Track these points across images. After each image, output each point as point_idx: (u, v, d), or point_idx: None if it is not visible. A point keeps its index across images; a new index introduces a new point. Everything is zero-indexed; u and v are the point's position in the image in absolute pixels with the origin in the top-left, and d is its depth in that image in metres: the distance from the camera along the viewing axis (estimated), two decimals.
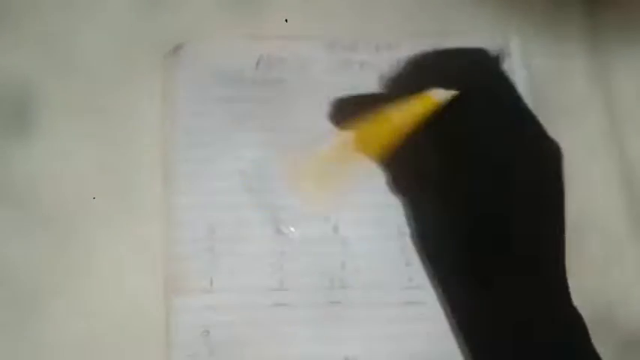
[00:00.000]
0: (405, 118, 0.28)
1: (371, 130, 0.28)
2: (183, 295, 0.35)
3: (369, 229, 0.38)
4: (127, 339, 0.35)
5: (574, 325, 0.27)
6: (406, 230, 0.28)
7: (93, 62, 0.38)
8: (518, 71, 0.40)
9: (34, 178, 0.36)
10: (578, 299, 0.36)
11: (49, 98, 0.37)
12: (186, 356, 0.35)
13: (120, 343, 0.35)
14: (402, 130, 0.27)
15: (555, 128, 0.39)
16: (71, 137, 0.37)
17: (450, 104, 0.28)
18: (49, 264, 0.35)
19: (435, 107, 0.28)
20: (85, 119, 0.37)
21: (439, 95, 0.28)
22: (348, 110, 0.31)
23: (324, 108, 0.38)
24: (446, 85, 0.28)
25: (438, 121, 0.28)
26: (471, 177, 0.27)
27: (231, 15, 0.40)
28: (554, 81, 0.41)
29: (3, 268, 0.35)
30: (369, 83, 0.39)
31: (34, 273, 0.35)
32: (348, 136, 0.28)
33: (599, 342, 0.36)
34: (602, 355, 0.32)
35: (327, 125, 0.38)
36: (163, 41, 0.38)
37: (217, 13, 0.40)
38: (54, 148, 0.37)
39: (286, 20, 0.39)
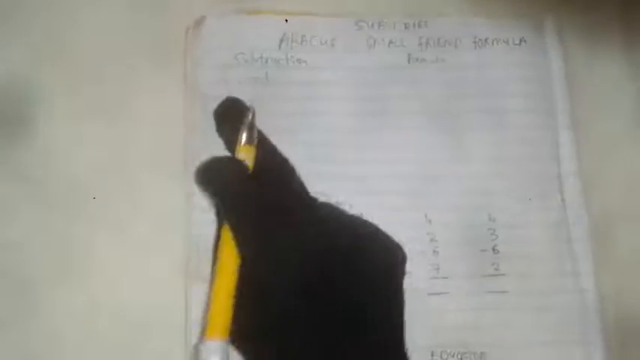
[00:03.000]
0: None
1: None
2: (202, 282, 0.34)
3: None
4: (145, 327, 0.34)
5: None
6: None
7: (98, 52, 0.37)
8: (553, 52, 0.39)
9: (38, 171, 0.36)
10: (608, 297, 0.35)
11: (52, 89, 0.37)
12: None
13: (138, 331, 0.34)
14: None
15: (587, 113, 0.38)
16: (76, 130, 0.36)
17: None
18: (54, 255, 0.35)
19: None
20: (91, 109, 0.37)
21: None
22: None
23: (349, 89, 0.37)
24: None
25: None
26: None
27: None
28: (587, 63, 0.39)
29: (7, 264, 0.35)
30: (398, 61, 0.38)
31: (43, 266, 0.35)
32: None
33: (628, 341, 0.35)
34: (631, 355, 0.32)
35: (354, 106, 0.37)
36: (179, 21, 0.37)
37: None
38: (57, 142, 0.36)
39: None
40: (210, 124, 0.36)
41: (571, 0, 0.40)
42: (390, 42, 0.38)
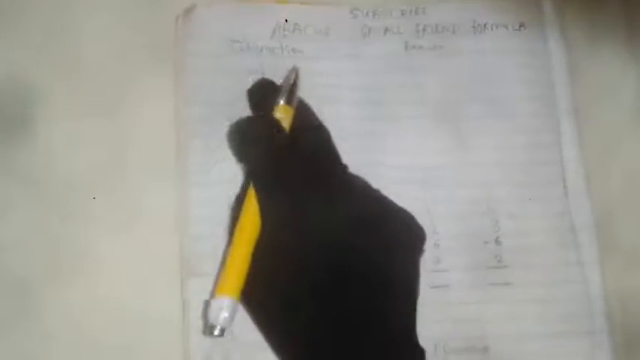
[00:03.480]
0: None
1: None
2: (199, 278, 0.33)
3: None
4: (143, 326, 0.34)
5: None
6: None
7: (96, 49, 0.37)
8: (553, 37, 0.38)
9: (37, 171, 0.36)
10: (611, 288, 0.34)
11: (50, 88, 0.36)
12: (205, 339, 0.33)
13: (136, 331, 0.34)
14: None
15: (588, 100, 0.37)
16: (75, 130, 0.36)
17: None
18: (54, 255, 0.35)
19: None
20: (89, 109, 0.36)
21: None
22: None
23: (345, 79, 0.37)
24: None
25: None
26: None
27: None
28: (588, 49, 0.39)
29: (6, 263, 0.34)
30: (394, 50, 0.37)
31: (42, 266, 0.34)
32: None
33: (633, 330, 0.35)
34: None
35: (350, 96, 0.36)
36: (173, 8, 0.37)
37: None
38: (57, 141, 0.36)
39: None
40: (203, 114, 0.35)
41: None
42: (386, 30, 0.38)
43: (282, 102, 0.33)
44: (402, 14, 0.38)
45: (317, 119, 0.34)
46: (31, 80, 0.36)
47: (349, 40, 0.37)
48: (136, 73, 0.37)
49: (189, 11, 0.36)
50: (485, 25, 0.38)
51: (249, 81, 0.35)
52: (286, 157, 0.32)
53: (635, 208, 0.37)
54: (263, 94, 0.34)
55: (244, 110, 0.35)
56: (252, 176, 0.32)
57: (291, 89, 0.33)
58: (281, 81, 0.34)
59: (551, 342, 0.34)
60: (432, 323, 0.34)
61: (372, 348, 0.30)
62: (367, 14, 0.38)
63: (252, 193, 0.32)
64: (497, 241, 0.35)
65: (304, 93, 0.35)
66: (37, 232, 0.35)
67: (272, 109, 0.33)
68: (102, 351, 0.34)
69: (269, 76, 0.36)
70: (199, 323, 0.33)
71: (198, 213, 0.34)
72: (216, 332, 0.31)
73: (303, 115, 0.34)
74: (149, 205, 0.35)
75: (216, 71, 0.36)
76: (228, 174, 0.35)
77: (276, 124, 0.33)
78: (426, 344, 0.31)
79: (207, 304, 0.32)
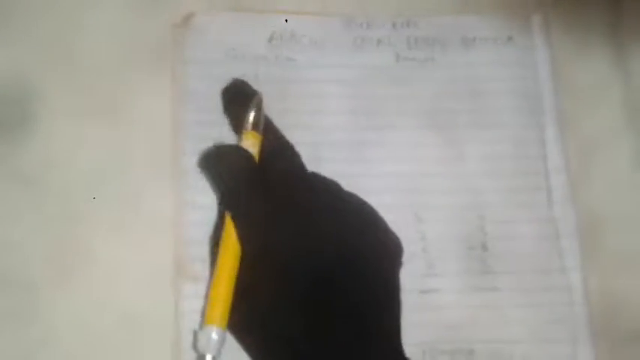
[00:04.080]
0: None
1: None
2: (192, 282, 0.34)
3: None
4: (134, 326, 0.34)
5: None
6: None
7: (96, 53, 0.37)
8: (540, 50, 0.39)
9: (37, 171, 0.36)
10: (595, 294, 0.35)
11: (50, 88, 0.37)
12: None
13: (127, 330, 0.34)
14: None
15: (575, 109, 0.38)
16: (74, 131, 0.36)
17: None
18: (52, 255, 0.35)
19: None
20: (89, 110, 0.37)
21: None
22: None
23: (337, 88, 0.37)
24: None
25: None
26: None
27: None
28: (574, 61, 0.40)
29: (6, 264, 0.34)
30: (385, 61, 0.38)
31: (41, 266, 0.35)
32: None
33: (612, 338, 0.36)
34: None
35: (342, 104, 0.37)
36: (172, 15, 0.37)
37: None
38: (56, 142, 0.36)
39: None
40: (199, 120, 0.36)
41: None
42: (379, 41, 0.39)
43: (249, 128, 0.34)
44: (394, 26, 0.39)
45: (285, 141, 0.35)
46: (31, 81, 0.37)
47: (342, 51, 0.38)
48: (135, 75, 0.37)
49: (187, 19, 0.37)
50: (474, 38, 0.39)
51: None
52: (257, 187, 0.33)
53: (618, 215, 0.38)
54: (236, 94, 0.35)
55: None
56: (227, 206, 0.33)
57: (257, 114, 0.34)
58: (248, 109, 0.34)
59: (534, 347, 0.35)
60: (420, 327, 0.34)
61: None
62: (361, 25, 0.39)
63: (229, 220, 0.32)
64: (484, 247, 0.36)
65: (297, 101, 0.36)
66: (37, 232, 0.35)
67: (242, 120, 0.34)
68: (100, 351, 0.34)
69: (263, 83, 0.36)
70: (192, 327, 0.33)
71: (193, 218, 0.35)
72: None
73: (272, 136, 0.35)
74: (147, 206, 0.35)
75: (213, 78, 0.36)
76: None
77: (245, 154, 0.33)
78: (415, 348, 0.32)
79: (195, 335, 0.32)
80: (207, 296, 0.32)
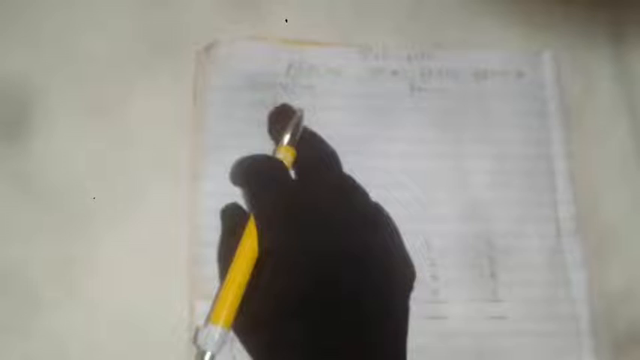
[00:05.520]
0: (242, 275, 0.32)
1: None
2: (208, 301, 0.35)
3: None
4: (149, 344, 0.35)
5: None
6: None
7: (98, 55, 0.38)
8: (550, 85, 0.40)
9: (38, 172, 0.36)
10: (599, 322, 0.36)
11: (54, 98, 0.37)
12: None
13: (142, 349, 0.35)
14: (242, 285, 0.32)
15: (583, 142, 0.39)
16: (76, 132, 0.37)
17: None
18: (58, 264, 0.35)
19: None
20: (90, 112, 0.37)
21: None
22: None
23: (354, 116, 0.38)
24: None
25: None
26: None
27: (261, 19, 0.40)
28: (583, 97, 0.41)
29: (6, 269, 0.35)
30: (401, 92, 0.39)
31: (42, 274, 0.35)
32: None
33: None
34: None
35: (357, 132, 0.38)
36: (189, 36, 0.39)
37: (247, 15, 0.40)
38: (58, 143, 0.36)
39: (286, 20, 0.39)
40: (218, 143, 0.37)
41: (567, 29, 0.41)
42: (394, 72, 0.40)
43: (285, 143, 0.35)
44: (409, 58, 0.40)
45: (325, 152, 0.36)
46: (31, 81, 0.37)
47: (359, 80, 0.39)
48: (135, 75, 0.38)
49: (210, 47, 0.38)
50: (485, 71, 0.40)
51: (263, 113, 0.37)
52: (285, 189, 0.34)
53: (627, 245, 0.38)
54: (279, 117, 0.37)
55: (258, 140, 0.37)
56: (253, 205, 0.34)
57: (293, 130, 0.35)
58: (287, 126, 0.36)
59: None
60: (426, 354, 0.35)
61: None
62: (377, 56, 0.40)
63: (251, 226, 0.33)
64: (493, 276, 0.37)
65: (314, 127, 0.37)
66: (36, 233, 0.35)
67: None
68: (104, 355, 0.34)
69: None
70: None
71: (208, 237, 0.36)
72: (206, 358, 0.32)
73: (311, 148, 0.36)
74: (147, 206, 0.36)
75: (233, 104, 0.38)
76: (238, 201, 0.36)
77: (275, 159, 0.35)
78: None
79: (197, 332, 0.33)
80: (216, 295, 0.33)
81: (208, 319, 0.33)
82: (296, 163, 0.35)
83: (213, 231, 0.36)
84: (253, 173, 0.35)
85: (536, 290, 0.37)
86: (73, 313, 0.34)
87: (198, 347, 0.32)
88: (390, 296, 0.32)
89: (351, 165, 0.37)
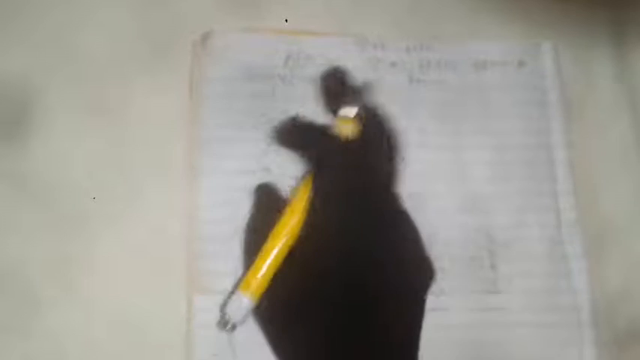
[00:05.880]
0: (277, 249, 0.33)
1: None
2: (206, 295, 0.34)
3: None
4: (147, 339, 0.34)
5: None
6: None
7: (98, 54, 0.38)
8: (550, 75, 0.40)
9: (37, 171, 0.36)
10: (600, 312, 0.36)
11: (53, 97, 0.37)
12: (209, 357, 0.34)
13: (140, 343, 0.34)
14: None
15: (584, 135, 0.39)
16: (76, 131, 0.36)
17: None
18: (57, 262, 0.35)
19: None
20: (90, 111, 0.37)
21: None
22: None
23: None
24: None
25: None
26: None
27: (258, 10, 0.39)
28: (583, 88, 0.40)
29: (4, 268, 0.34)
30: (399, 83, 0.39)
31: (40, 272, 0.35)
32: None
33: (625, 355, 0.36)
34: None
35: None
36: (186, 31, 0.38)
37: (244, 6, 0.39)
38: (57, 142, 0.36)
39: (286, 20, 0.39)
40: (216, 135, 0.37)
41: (567, 24, 0.41)
42: (393, 64, 0.39)
43: (344, 113, 0.35)
44: (407, 50, 0.40)
45: (383, 133, 0.36)
46: (31, 81, 0.37)
47: (357, 71, 0.39)
48: (135, 76, 0.37)
49: (206, 37, 0.38)
50: (485, 61, 0.40)
51: (262, 105, 0.37)
52: (347, 184, 0.34)
53: (627, 234, 0.39)
54: (334, 81, 0.37)
55: (255, 132, 0.37)
56: (316, 189, 0.33)
57: (354, 101, 0.36)
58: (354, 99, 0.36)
59: None
60: (429, 346, 0.34)
61: None
62: (375, 47, 0.39)
63: (297, 203, 0.33)
64: (493, 267, 0.37)
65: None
66: (35, 231, 0.35)
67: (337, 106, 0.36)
68: (102, 352, 0.34)
69: (280, 101, 0.37)
70: (206, 339, 0.34)
71: (206, 231, 0.35)
72: (229, 327, 0.32)
73: (371, 126, 0.36)
74: (147, 206, 0.36)
75: (230, 95, 0.37)
76: (236, 194, 0.36)
77: (328, 132, 0.35)
78: None
79: (227, 297, 0.33)
80: (249, 263, 0.33)
81: (237, 287, 0.33)
82: (357, 140, 0.35)
83: (211, 225, 0.36)
84: (322, 150, 0.35)
85: (536, 281, 0.37)
86: (71, 312, 0.34)
87: (223, 315, 0.32)
88: (411, 296, 0.33)
89: None
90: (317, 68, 0.38)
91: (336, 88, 0.36)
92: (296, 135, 0.36)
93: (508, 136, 0.39)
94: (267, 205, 0.35)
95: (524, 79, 0.40)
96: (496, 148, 0.38)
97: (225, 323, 0.32)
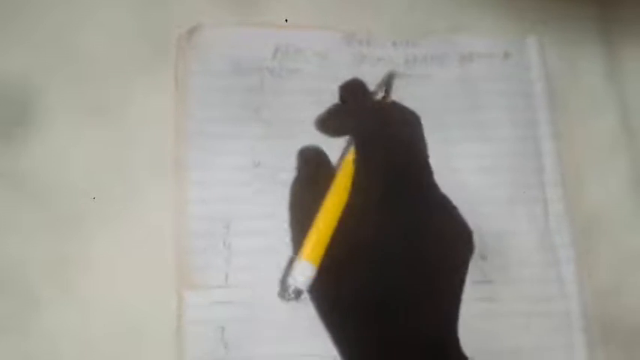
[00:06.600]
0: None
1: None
2: (196, 291, 0.34)
3: None
4: (138, 336, 0.34)
5: None
6: None
7: (97, 54, 0.37)
8: (535, 69, 0.40)
9: (36, 171, 0.36)
10: (588, 302, 0.36)
11: (53, 97, 0.36)
12: (201, 352, 0.33)
13: (131, 340, 0.34)
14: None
15: (570, 127, 0.40)
16: (74, 131, 0.36)
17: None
18: (55, 262, 0.34)
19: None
20: (89, 111, 0.37)
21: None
22: None
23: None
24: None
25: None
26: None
27: (249, 3, 0.39)
28: (569, 79, 0.41)
29: (2, 268, 0.34)
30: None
31: (38, 271, 0.34)
32: None
33: (609, 347, 0.37)
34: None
35: None
36: (174, 26, 0.38)
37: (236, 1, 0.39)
38: (56, 142, 0.36)
39: (286, 20, 0.39)
40: (203, 130, 0.36)
41: (552, 16, 0.42)
42: (379, 59, 0.39)
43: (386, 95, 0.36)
44: (394, 45, 0.40)
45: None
46: (31, 81, 0.36)
47: (345, 65, 0.39)
48: (135, 76, 0.37)
49: (193, 30, 0.37)
50: (471, 54, 0.40)
51: (249, 99, 0.37)
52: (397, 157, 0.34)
53: (615, 225, 0.39)
54: (353, 91, 0.37)
55: (245, 125, 0.37)
56: (367, 157, 0.34)
57: (385, 90, 0.37)
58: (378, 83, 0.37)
59: (532, 356, 0.36)
60: None
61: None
62: (361, 42, 0.39)
63: (347, 167, 0.33)
64: (482, 257, 0.37)
65: (301, 109, 0.37)
66: (34, 232, 0.35)
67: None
68: (100, 352, 0.34)
69: (268, 94, 0.37)
70: (198, 335, 0.34)
71: (196, 227, 0.35)
72: (292, 294, 0.32)
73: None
74: (147, 207, 0.36)
75: (218, 89, 0.37)
76: (226, 189, 0.36)
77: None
78: None
79: (289, 265, 0.33)
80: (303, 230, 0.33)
81: (299, 255, 0.32)
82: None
83: (200, 220, 0.35)
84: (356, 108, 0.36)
85: (525, 271, 0.37)
86: (68, 311, 0.34)
87: (287, 283, 0.32)
88: (456, 271, 0.33)
89: (339, 149, 0.37)
90: (306, 61, 0.38)
91: (355, 98, 0.37)
92: (343, 114, 0.36)
93: (494, 127, 0.39)
94: (315, 170, 0.35)
95: (509, 70, 0.40)
96: (482, 139, 0.39)
97: (291, 291, 0.32)
